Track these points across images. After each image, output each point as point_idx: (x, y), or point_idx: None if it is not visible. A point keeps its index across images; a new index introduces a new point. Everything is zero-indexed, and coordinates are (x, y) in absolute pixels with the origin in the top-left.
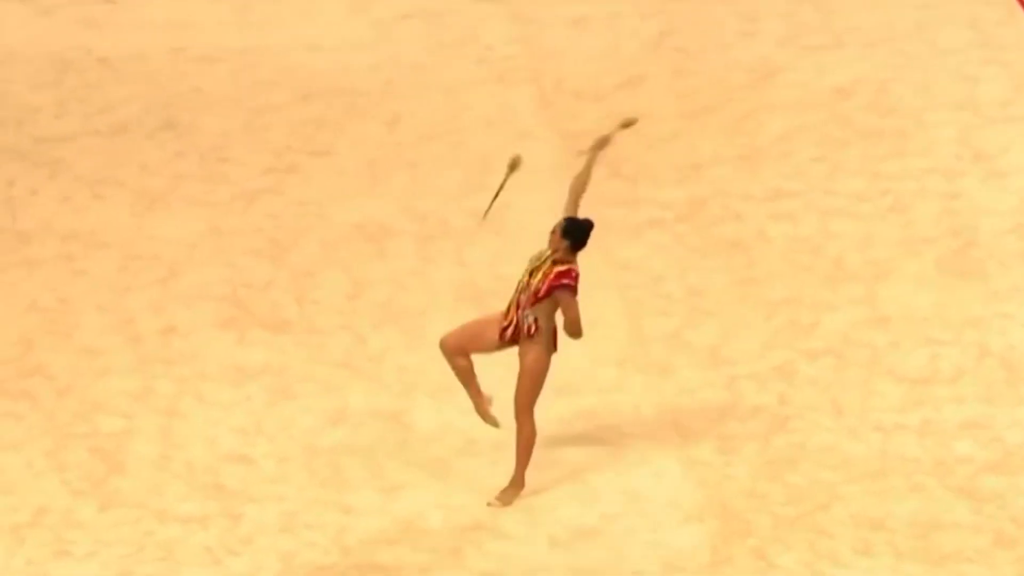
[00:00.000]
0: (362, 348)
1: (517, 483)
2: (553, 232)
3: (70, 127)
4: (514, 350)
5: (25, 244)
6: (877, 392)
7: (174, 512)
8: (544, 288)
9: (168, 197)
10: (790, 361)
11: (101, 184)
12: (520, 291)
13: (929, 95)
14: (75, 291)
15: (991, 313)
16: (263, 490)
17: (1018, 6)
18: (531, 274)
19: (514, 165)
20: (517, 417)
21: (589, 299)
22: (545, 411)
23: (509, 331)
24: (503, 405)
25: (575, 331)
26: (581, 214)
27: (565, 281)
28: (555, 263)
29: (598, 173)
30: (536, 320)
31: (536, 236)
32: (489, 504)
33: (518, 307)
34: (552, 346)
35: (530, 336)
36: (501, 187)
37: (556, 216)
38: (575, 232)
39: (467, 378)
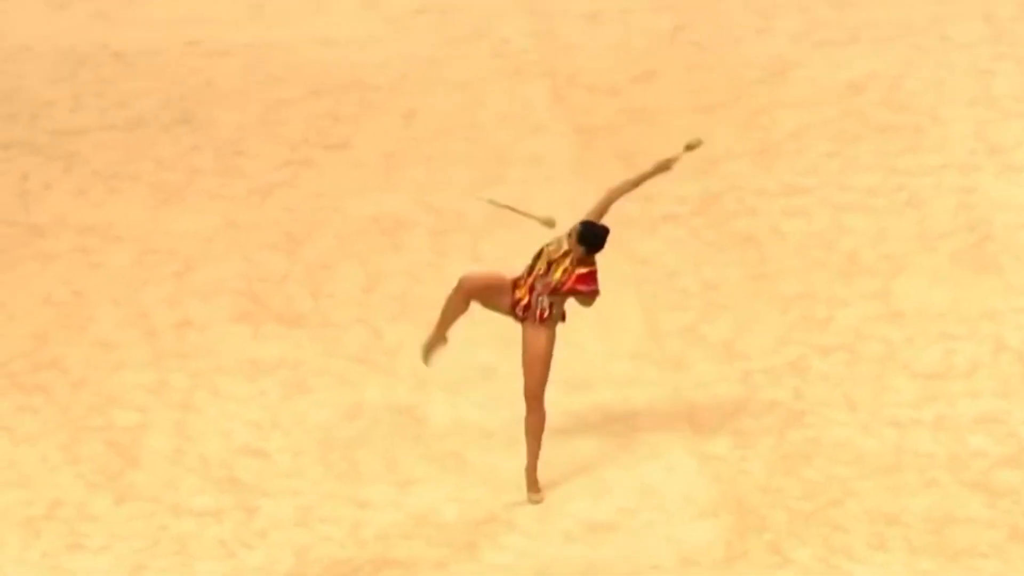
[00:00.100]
0: (377, 342)
1: (531, 474)
2: (570, 235)
3: (85, 121)
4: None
5: (40, 238)
6: (892, 387)
7: (189, 506)
8: (567, 287)
9: (183, 191)
10: (804, 356)
11: (116, 178)
12: (536, 277)
13: (943, 90)
14: (90, 285)
15: (1006, 307)
16: (278, 484)
17: None
18: (549, 266)
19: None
20: (528, 403)
21: (604, 293)
22: (559, 405)
23: (519, 310)
24: (510, 398)
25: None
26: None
27: (592, 288)
28: (578, 262)
29: (611, 168)
30: (551, 306)
31: (551, 230)
32: (531, 501)
33: (532, 291)
34: (560, 319)
35: (541, 321)
36: (519, 212)
37: (570, 210)
38: (590, 238)
39: (451, 318)
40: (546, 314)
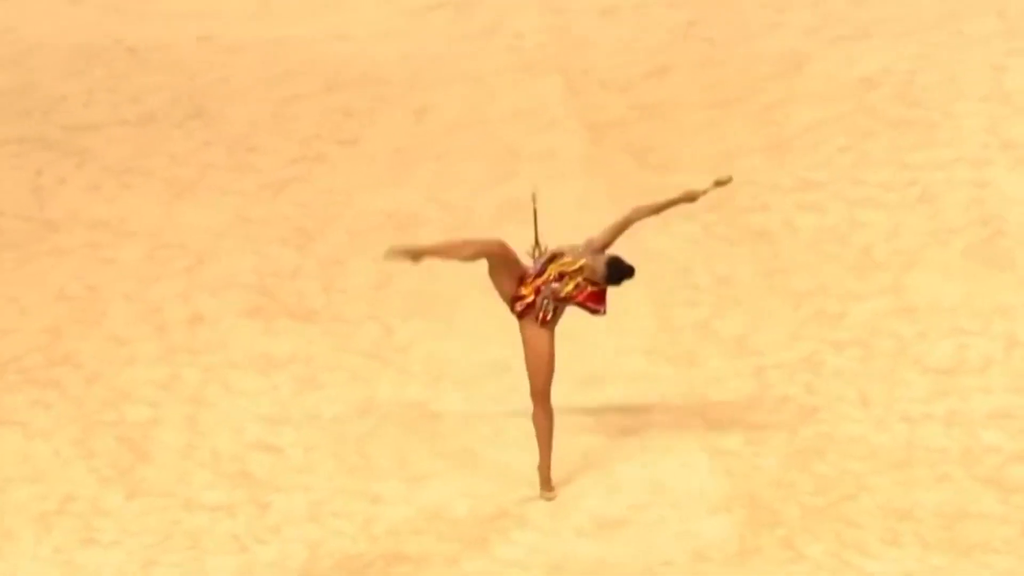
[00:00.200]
0: (389, 338)
1: (544, 471)
2: (584, 252)
3: (98, 116)
4: None
5: (53, 233)
6: (904, 382)
7: (201, 500)
8: (575, 301)
9: (196, 186)
10: (817, 351)
11: (129, 173)
12: (546, 282)
13: (956, 85)
14: (103, 280)
15: (1019, 302)
16: (290, 479)
17: None
18: (561, 276)
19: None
20: (535, 402)
21: (617, 289)
22: (571, 401)
23: (520, 307)
24: (522, 394)
25: None
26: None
27: (600, 307)
28: (590, 282)
29: (624, 163)
30: (555, 310)
31: (563, 225)
32: (544, 498)
33: (538, 292)
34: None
35: (543, 323)
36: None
37: (583, 207)
38: (616, 275)
39: (447, 253)
40: (548, 317)
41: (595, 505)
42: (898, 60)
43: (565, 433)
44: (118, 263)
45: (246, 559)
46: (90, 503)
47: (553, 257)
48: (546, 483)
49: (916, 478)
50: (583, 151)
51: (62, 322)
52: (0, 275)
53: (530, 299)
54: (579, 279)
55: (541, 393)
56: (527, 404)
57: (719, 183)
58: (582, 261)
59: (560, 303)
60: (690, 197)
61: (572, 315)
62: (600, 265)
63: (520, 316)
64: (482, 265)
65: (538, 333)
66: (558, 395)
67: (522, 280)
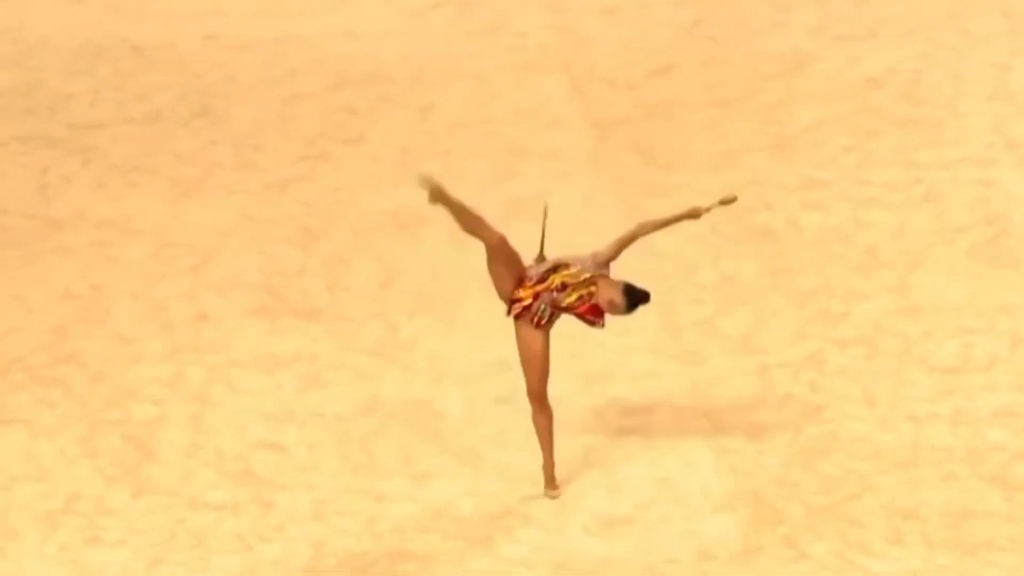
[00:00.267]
0: (394, 336)
1: (548, 470)
2: (592, 266)
3: (104, 115)
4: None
5: (58, 231)
6: (909, 381)
7: (205, 499)
8: (576, 312)
9: (201, 185)
10: (822, 350)
11: (135, 172)
12: (546, 288)
13: (962, 84)
14: (108, 278)
15: None
16: (294, 478)
17: None
18: (564, 286)
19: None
20: (533, 403)
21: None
22: (576, 399)
23: (516, 309)
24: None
25: None
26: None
27: (600, 320)
28: (592, 295)
29: (629, 161)
30: (551, 316)
31: (569, 223)
32: (548, 496)
33: (536, 297)
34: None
35: (537, 326)
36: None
37: (588, 205)
38: (633, 303)
39: (464, 213)
40: (543, 322)
41: (599, 503)
42: (903, 59)
43: (569, 431)
44: (123, 262)
45: (250, 558)
46: (95, 502)
47: (557, 267)
48: (550, 481)
49: (921, 477)
50: (588, 149)
51: (67, 321)
52: (5, 273)
53: (527, 302)
54: (582, 291)
55: (537, 393)
56: (516, 402)
57: (724, 202)
58: (587, 274)
59: (558, 311)
60: (694, 214)
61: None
62: (616, 295)
63: (515, 317)
64: (485, 264)
65: (532, 335)
66: (562, 393)
67: (521, 282)
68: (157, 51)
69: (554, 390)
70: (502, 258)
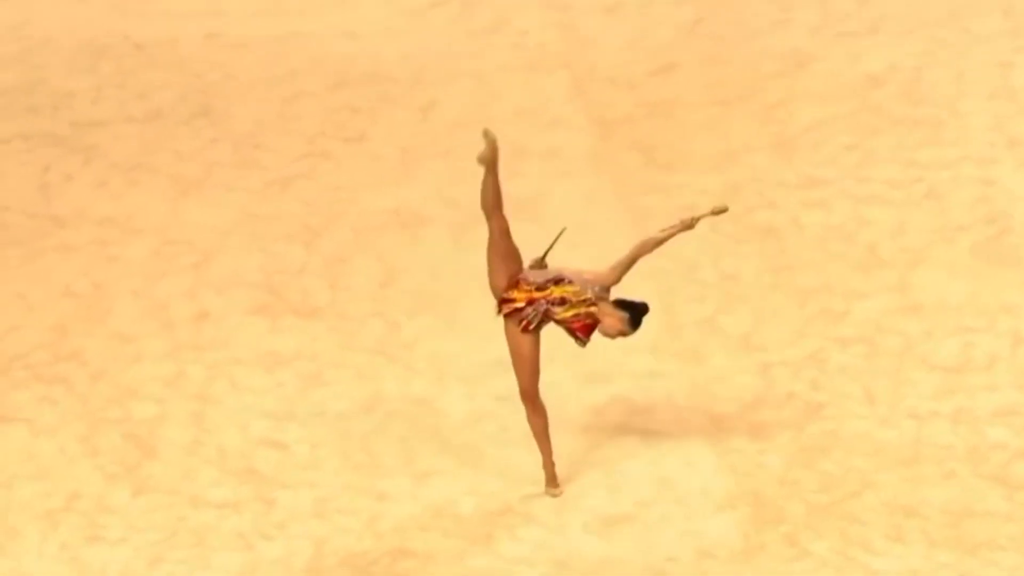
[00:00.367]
0: (395, 335)
1: (548, 469)
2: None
3: (106, 113)
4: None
5: (60, 229)
6: (910, 380)
7: (207, 497)
8: (568, 327)
9: (202, 183)
10: (823, 348)
11: (136, 170)
12: (543, 296)
13: (963, 83)
14: (109, 277)
15: None
16: (296, 476)
17: None
18: (561, 300)
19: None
20: (525, 404)
21: (623, 285)
22: (576, 397)
23: (506, 309)
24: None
25: None
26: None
27: (586, 337)
28: (588, 315)
29: (630, 160)
30: (539, 323)
31: (570, 222)
32: (549, 494)
33: (530, 303)
34: None
35: (525, 330)
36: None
37: (590, 204)
38: (637, 321)
39: (494, 184)
40: (531, 327)
41: (600, 502)
42: (904, 58)
43: (570, 430)
44: (124, 260)
45: (252, 556)
46: (96, 500)
47: (559, 281)
48: (551, 480)
49: (922, 475)
50: (589, 148)
51: (68, 319)
52: (6, 272)
53: (519, 305)
54: (580, 310)
55: (528, 393)
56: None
57: (715, 212)
58: (588, 295)
59: (547, 320)
60: (688, 225)
61: None
62: (623, 326)
63: (504, 316)
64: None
65: (521, 337)
66: (563, 392)
67: (516, 282)
68: (158, 50)
69: (555, 389)
70: (500, 250)
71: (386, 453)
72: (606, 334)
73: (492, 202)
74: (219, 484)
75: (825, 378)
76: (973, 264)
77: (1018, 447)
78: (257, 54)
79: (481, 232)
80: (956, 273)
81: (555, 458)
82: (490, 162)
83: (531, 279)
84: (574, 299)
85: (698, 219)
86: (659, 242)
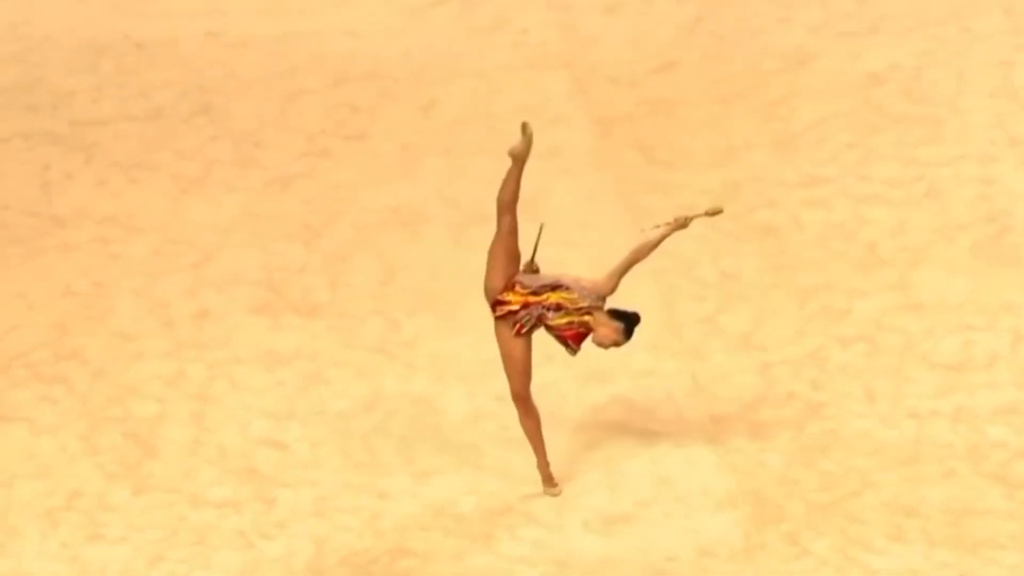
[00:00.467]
0: (395, 333)
1: (543, 470)
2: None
3: (106, 112)
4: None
5: (60, 228)
6: (910, 378)
7: (207, 496)
8: (560, 334)
9: (203, 182)
10: (823, 347)
11: (136, 168)
12: (538, 301)
13: (963, 81)
14: (110, 275)
15: None
16: (296, 475)
17: None
18: (557, 307)
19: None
20: (517, 406)
21: (623, 283)
22: (576, 396)
23: (500, 311)
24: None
25: None
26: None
27: (577, 346)
28: (582, 324)
29: (631, 159)
30: (532, 327)
31: (570, 222)
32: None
33: (524, 306)
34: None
35: (517, 333)
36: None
37: (591, 202)
38: (630, 330)
39: (516, 178)
40: (524, 330)
41: (600, 501)
42: (904, 56)
43: (569, 429)
44: (125, 259)
45: (252, 555)
46: (96, 499)
47: (556, 287)
48: (548, 481)
49: (922, 474)
50: (590, 146)
51: (69, 318)
52: (7, 270)
53: (514, 308)
54: (574, 318)
55: (520, 396)
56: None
57: (710, 213)
58: (585, 303)
59: (540, 324)
60: (682, 224)
61: None
62: (617, 336)
63: (496, 318)
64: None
65: (513, 340)
66: (562, 391)
67: (512, 285)
68: (159, 48)
69: (554, 388)
70: (504, 248)
71: (386, 452)
72: (599, 344)
73: (509, 198)
74: (219, 483)
75: (825, 377)
76: (973, 263)
77: (1018, 446)
78: (257, 53)
79: (481, 231)
80: (956, 272)
81: (554, 457)
82: (521, 157)
83: (526, 283)
84: (570, 306)
85: (692, 219)
86: (654, 246)
